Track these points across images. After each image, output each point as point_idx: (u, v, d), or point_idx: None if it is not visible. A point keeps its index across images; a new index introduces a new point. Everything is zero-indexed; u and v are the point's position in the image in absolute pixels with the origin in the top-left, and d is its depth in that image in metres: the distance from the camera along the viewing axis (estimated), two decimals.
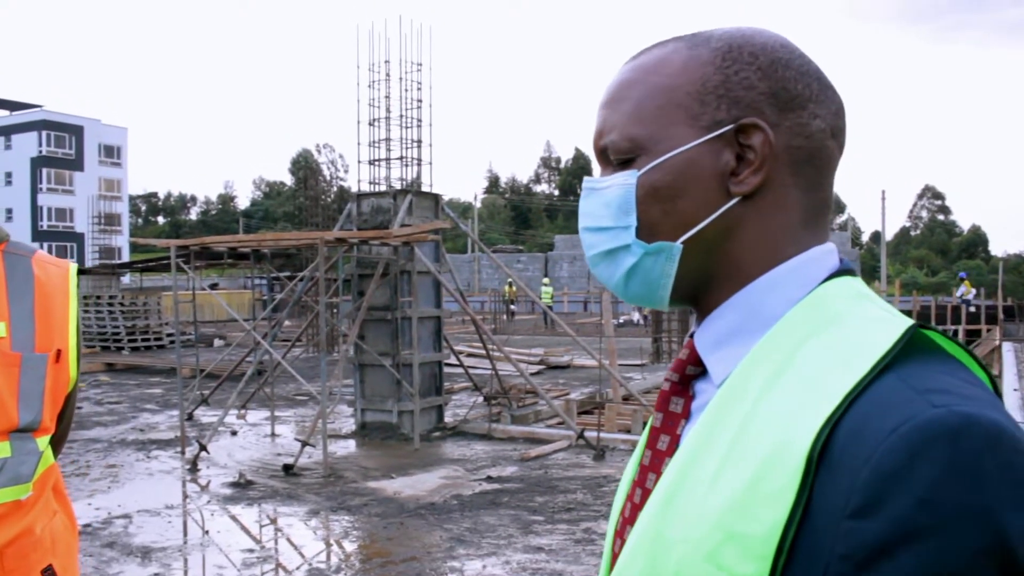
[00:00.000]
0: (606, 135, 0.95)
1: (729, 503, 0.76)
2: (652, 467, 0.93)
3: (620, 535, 0.96)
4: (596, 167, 1.01)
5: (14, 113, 76.96)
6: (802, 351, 0.81)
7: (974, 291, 28.83)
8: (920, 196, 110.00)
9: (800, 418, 0.75)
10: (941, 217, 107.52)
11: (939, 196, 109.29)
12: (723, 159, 0.89)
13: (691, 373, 0.93)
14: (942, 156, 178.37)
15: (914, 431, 0.69)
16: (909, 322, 0.80)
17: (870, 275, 66.13)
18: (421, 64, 12.78)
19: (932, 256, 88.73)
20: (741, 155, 0.89)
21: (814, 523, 0.72)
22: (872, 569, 0.68)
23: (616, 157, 0.94)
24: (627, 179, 0.92)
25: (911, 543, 0.67)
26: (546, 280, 38.38)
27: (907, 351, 0.78)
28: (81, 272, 29.10)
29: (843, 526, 0.70)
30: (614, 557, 0.97)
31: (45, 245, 68.93)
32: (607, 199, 0.94)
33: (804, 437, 0.74)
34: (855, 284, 0.89)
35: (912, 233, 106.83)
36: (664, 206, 0.90)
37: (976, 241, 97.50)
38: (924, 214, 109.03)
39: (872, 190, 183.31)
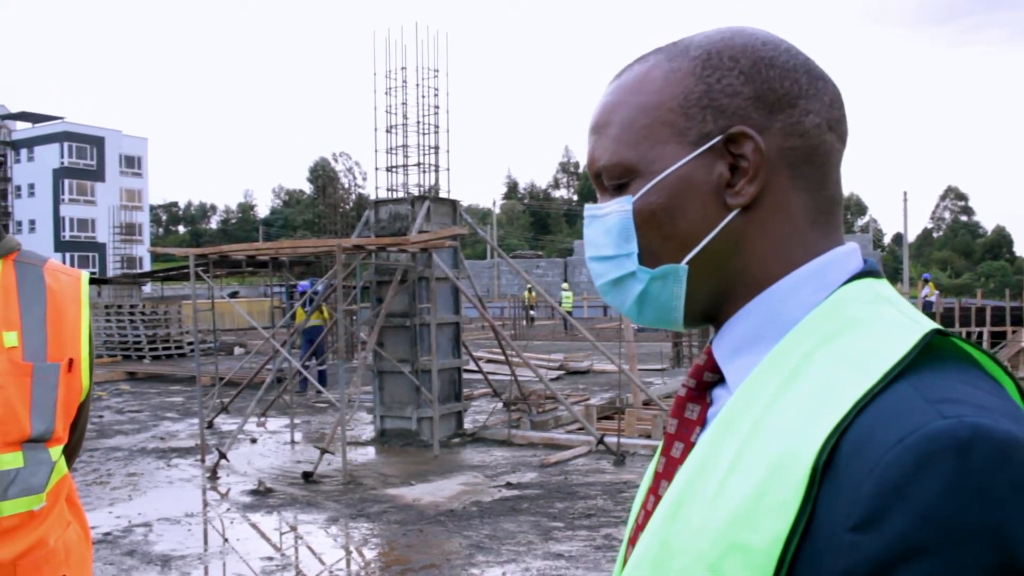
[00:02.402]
0: (598, 161, 0.93)
1: (733, 513, 0.74)
2: (665, 474, 0.92)
3: (632, 542, 0.94)
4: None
5: (36, 125, 77.76)
6: (814, 358, 0.78)
7: (937, 293, 28.59)
8: (943, 197, 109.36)
9: (807, 427, 0.73)
10: (964, 218, 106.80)
11: (962, 197, 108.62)
12: (716, 172, 0.86)
13: (709, 380, 0.91)
14: (965, 157, 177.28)
15: (920, 442, 0.66)
16: (928, 327, 0.77)
17: (893, 277, 65.65)
18: (438, 70, 12.80)
19: (955, 258, 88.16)
20: (734, 165, 0.86)
21: (817, 536, 0.70)
22: None
23: (610, 183, 0.92)
24: (623, 205, 0.90)
25: (912, 561, 0.64)
26: (565, 285, 38.21)
27: (925, 358, 0.75)
28: (103, 282, 29.33)
29: (845, 540, 0.67)
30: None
31: (67, 255, 69.56)
32: (607, 226, 0.92)
33: (810, 447, 0.71)
34: (876, 286, 0.85)
35: (935, 235, 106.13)
36: (663, 229, 0.88)
37: (1000, 242, 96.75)
38: (947, 215, 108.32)
39: (894, 191, 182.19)
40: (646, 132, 0.89)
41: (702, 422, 0.90)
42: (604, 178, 0.93)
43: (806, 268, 0.86)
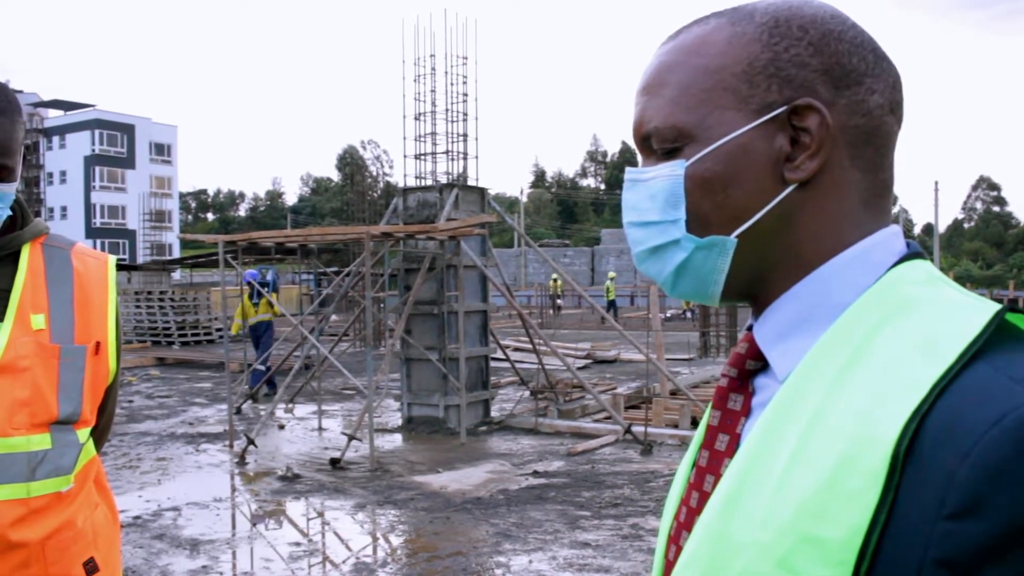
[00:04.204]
0: (648, 123, 0.89)
1: (801, 504, 0.70)
2: (710, 469, 0.88)
3: (675, 541, 0.90)
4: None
5: (68, 113, 78.45)
6: (877, 339, 0.75)
7: None
8: (975, 187, 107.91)
9: (881, 411, 0.69)
10: (996, 209, 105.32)
11: (994, 187, 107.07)
12: (777, 144, 0.83)
13: (751, 368, 0.87)
14: (998, 146, 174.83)
15: (1019, 423, 0.63)
16: (996, 305, 0.73)
17: None
18: (467, 58, 12.76)
19: (987, 249, 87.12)
20: (796, 139, 0.83)
21: (901, 525, 0.66)
22: (977, 574, 0.62)
23: (661, 146, 0.88)
24: (674, 170, 0.86)
25: (1022, 545, 0.61)
26: (612, 274, 37.78)
27: (996, 337, 0.71)
28: (133, 268, 29.63)
29: (939, 528, 0.64)
30: (668, 565, 0.91)
31: (98, 242, 70.25)
32: (653, 191, 0.88)
33: (888, 432, 0.67)
34: (927, 267, 0.82)
35: (966, 225, 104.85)
36: (716, 197, 0.84)
37: None
38: (979, 205, 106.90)
39: (925, 181, 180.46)
40: (705, 96, 0.85)
41: (747, 412, 0.87)
42: (654, 141, 0.88)
43: (852, 250, 0.83)
